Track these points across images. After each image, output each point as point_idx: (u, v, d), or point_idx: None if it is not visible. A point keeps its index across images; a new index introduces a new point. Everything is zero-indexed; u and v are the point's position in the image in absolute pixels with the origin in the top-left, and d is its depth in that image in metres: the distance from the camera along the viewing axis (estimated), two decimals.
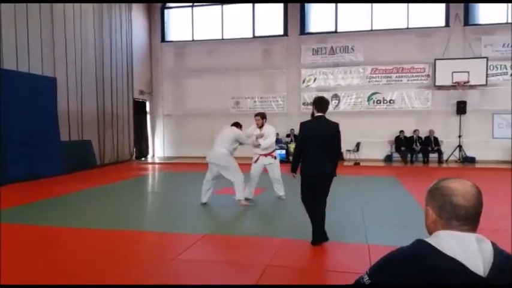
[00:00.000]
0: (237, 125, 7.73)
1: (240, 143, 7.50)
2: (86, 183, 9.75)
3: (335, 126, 4.70)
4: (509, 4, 13.90)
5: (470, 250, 1.22)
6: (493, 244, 1.27)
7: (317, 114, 4.73)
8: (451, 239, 1.26)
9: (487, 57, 13.86)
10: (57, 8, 11.44)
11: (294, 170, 4.92)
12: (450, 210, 1.31)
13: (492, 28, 14.17)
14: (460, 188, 1.32)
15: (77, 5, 12.28)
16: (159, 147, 17.22)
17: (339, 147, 4.79)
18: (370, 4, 14.92)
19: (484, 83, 13.84)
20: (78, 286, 3.52)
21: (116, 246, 4.72)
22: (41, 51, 10.83)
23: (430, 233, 1.37)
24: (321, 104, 4.73)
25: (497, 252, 1.25)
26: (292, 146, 14.50)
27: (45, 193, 8.22)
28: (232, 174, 7.02)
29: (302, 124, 4.79)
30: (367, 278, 1.35)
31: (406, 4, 14.66)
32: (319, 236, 4.62)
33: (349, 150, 14.01)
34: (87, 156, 12.66)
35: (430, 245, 1.27)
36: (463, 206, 1.30)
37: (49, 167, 10.46)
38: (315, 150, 4.61)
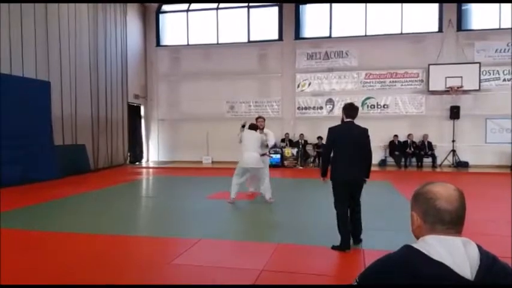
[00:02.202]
0: (255, 127, 8.05)
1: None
2: (79, 187, 9.69)
3: (364, 131, 4.82)
4: (502, 10, 14.05)
5: (457, 254, 1.23)
6: (478, 246, 1.28)
7: (346, 119, 4.83)
8: (438, 243, 1.27)
9: (479, 63, 13.98)
10: (51, 11, 11.42)
11: (324, 175, 4.93)
12: (434, 214, 1.32)
13: (485, 33, 14.31)
14: (443, 191, 1.33)
15: (71, 8, 12.26)
16: (153, 152, 17.17)
17: (370, 152, 4.86)
18: (364, 10, 15.02)
19: (477, 88, 13.95)
20: (77, 286, 3.50)
21: (109, 251, 4.70)
22: (35, 55, 10.80)
23: (417, 237, 1.37)
24: (350, 110, 4.85)
25: (483, 254, 1.26)
26: (287, 151, 14.51)
27: (38, 197, 8.17)
28: (265, 174, 7.67)
29: (331, 129, 4.85)
30: (356, 283, 1.36)
31: (399, 10, 14.78)
32: (349, 243, 4.61)
33: None
34: (81, 160, 12.60)
35: (418, 250, 1.27)
36: (446, 210, 1.31)
37: (43, 171, 10.39)
38: (345, 155, 4.67)
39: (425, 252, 1.25)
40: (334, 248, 4.58)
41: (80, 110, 12.66)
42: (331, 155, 4.79)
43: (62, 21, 11.87)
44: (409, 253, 1.29)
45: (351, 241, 4.69)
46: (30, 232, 5.49)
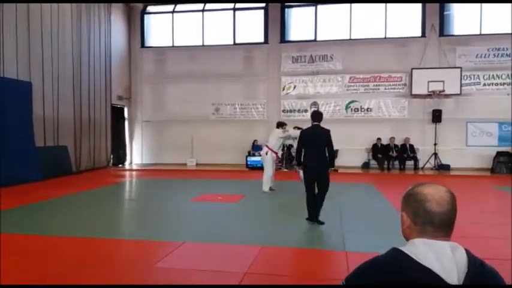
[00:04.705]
0: (282, 124, 9.54)
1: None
2: (61, 190, 9.54)
3: (327, 132, 6.14)
4: (483, 16, 14.35)
5: (445, 260, 1.23)
6: (467, 251, 1.28)
7: (313, 123, 6.23)
8: (427, 248, 1.26)
9: (461, 68, 14.24)
10: (33, 10, 11.24)
11: (299, 164, 6.37)
12: (424, 216, 1.31)
13: (466, 39, 14.59)
14: (434, 193, 1.33)
15: (54, 7, 12.08)
16: (137, 154, 17.00)
17: (332, 148, 6.13)
18: (349, 13, 15.16)
19: (459, 92, 14.20)
20: (76, 286, 3.44)
21: (91, 254, 4.63)
22: (16, 55, 10.60)
23: (407, 238, 1.37)
24: (316, 115, 6.30)
25: (471, 260, 1.26)
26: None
27: (19, 200, 8.00)
28: (266, 168, 9.24)
29: (301, 131, 6.63)
30: (344, 284, 1.35)
31: (384, 14, 14.96)
32: (315, 217, 5.99)
33: None
34: (63, 162, 12.39)
35: (406, 254, 1.27)
36: (436, 212, 1.30)
37: (23, 173, 10.20)
38: (311, 151, 6.09)
39: (414, 257, 1.25)
40: (306, 219, 6.05)
41: (62, 111, 12.45)
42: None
43: (44, 20, 11.68)
44: (397, 257, 1.29)
45: None
46: (10, 235, 5.37)
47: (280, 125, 9.49)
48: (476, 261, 1.28)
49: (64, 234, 5.50)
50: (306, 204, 6.11)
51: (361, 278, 1.33)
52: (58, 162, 12.10)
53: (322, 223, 5.94)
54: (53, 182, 10.78)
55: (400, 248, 1.31)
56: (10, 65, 10.38)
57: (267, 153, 9.15)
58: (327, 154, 6.06)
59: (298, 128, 9.07)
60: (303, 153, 6.22)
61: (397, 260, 1.28)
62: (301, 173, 6.38)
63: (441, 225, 1.30)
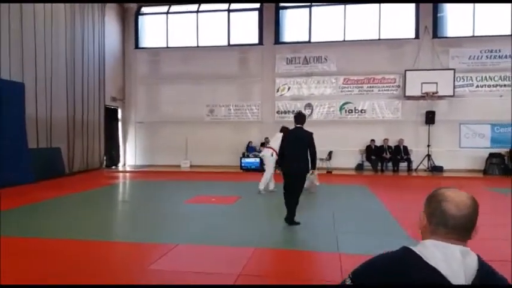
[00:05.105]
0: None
1: None
2: (54, 192, 9.47)
3: (309, 134, 6.14)
4: (476, 18, 14.45)
5: (453, 263, 1.23)
6: (479, 258, 1.27)
7: (296, 125, 6.29)
8: (436, 249, 1.27)
9: (454, 69, 14.33)
10: (27, 10, 11.16)
11: (279, 165, 6.52)
12: (439, 216, 1.31)
13: (459, 41, 14.69)
14: (455, 196, 1.32)
15: (47, 7, 12.00)
16: (130, 155, 16.93)
17: (314, 150, 6.12)
18: (343, 15, 15.22)
19: (452, 94, 14.29)
20: (77, 286, 3.42)
21: (84, 256, 4.59)
22: (8, 55, 10.51)
23: (423, 238, 1.37)
24: (298, 118, 6.35)
25: (482, 267, 1.25)
26: None
27: (11, 202, 7.92)
28: (267, 167, 9.36)
29: (284, 133, 6.59)
30: (349, 281, 1.36)
31: (377, 16, 15.02)
32: (290, 219, 6.03)
33: (322, 159, 14.14)
34: (55, 164, 12.30)
35: (414, 253, 1.28)
36: (452, 214, 1.29)
37: (16, 175, 10.10)
38: (292, 153, 6.10)
39: (422, 256, 1.26)
40: (285, 219, 6.09)
41: (55, 112, 12.37)
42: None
43: (37, 20, 11.60)
44: (405, 255, 1.29)
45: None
46: (2, 238, 5.32)
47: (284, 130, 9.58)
48: (488, 269, 1.27)
49: (57, 236, 5.46)
50: (285, 205, 6.15)
51: (367, 272, 1.33)
52: (51, 164, 12.02)
53: (298, 223, 6.01)
54: (46, 184, 10.70)
55: (411, 247, 1.32)
56: (3, 65, 10.29)
57: (272, 155, 9.16)
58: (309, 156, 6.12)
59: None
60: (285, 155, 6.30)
61: (404, 257, 1.29)
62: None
63: (455, 228, 1.29)
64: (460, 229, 1.30)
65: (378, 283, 1.28)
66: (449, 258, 1.24)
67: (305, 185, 7.35)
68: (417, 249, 1.30)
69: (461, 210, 1.29)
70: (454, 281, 1.20)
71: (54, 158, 12.32)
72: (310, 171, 6.23)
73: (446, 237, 1.29)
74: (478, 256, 1.28)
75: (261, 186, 9.13)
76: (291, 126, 10.30)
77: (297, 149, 6.08)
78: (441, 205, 1.31)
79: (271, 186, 9.29)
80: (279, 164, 6.55)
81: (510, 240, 4.88)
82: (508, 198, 8.27)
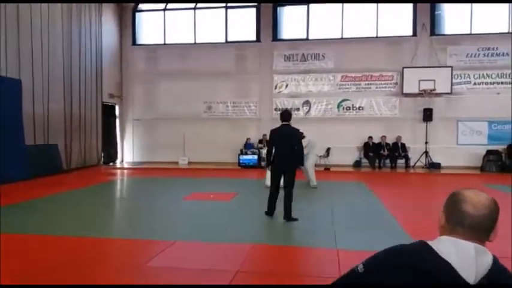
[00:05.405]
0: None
1: None
2: (51, 188, 9.46)
3: (296, 131, 6.38)
4: (473, 15, 14.47)
5: (465, 257, 1.24)
6: (495, 259, 1.28)
7: (282, 122, 6.34)
8: (450, 243, 1.29)
9: (451, 67, 14.35)
10: (23, 7, 11.09)
11: (269, 164, 6.48)
12: (457, 215, 1.33)
13: (457, 38, 14.69)
14: (473, 196, 1.33)
15: (44, 5, 11.93)
16: (128, 152, 16.90)
17: (301, 146, 6.38)
18: (341, 12, 15.19)
19: (449, 91, 14.31)
20: (77, 286, 3.41)
21: (83, 253, 4.59)
22: (5, 52, 10.45)
23: None
24: (285, 115, 6.40)
25: (496, 267, 1.26)
26: (264, 151, 14.53)
27: (8, 199, 7.90)
28: None
29: (271, 130, 6.48)
30: (362, 267, 1.38)
31: (375, 13, 15.01)
32: (288, 216, 6.09)
33: (320, 156, 14.17)
34: (53, 160, 12.27)
35: (429, 246, 1.30)
36: (470, 213, 1.30)
37: (13, 172, 10.07)
38: (280, 149, 6.22)
39: (435, 249, 1.28)
40: (266, 213, 6.34)
41: (53, 109, 12.33)
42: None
43: (34, 17, 11.53)
44: (420, 247, 1.32)
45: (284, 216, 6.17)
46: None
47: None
48: (502, 270, 1.28)
49: (54, 233, 5.45)
50: (268, 200, 6.32)
51: (380, 260, 1.37)
52: (48, 161, 11.99)
53: (296, 219, 6.08)
54: (43, 181, 10.68)
55: (427, 241, 1.34)
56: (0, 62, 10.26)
57: None
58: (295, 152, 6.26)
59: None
60: (273, 152, 6.33)
61: (418, 249, 1.32)
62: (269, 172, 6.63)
63: (471, 227, 1.30)
64: (477, 229, 1.31)
65: (389, 272, 1.31)
66: (461, 253, 1.25)
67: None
68: (432, 242, 1.33)
69: (478, 210, 1.30)
70: (464, 274, 1.22)
71: (52, 154, 12.29)
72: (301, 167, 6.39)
73: (464, 237, 1.30)
74: (494, 256, 1.29)
75: (268, 182, 9.13)
76: (291, 123, 10.37)
77: (286, 145, 6.19)
78: (459, 204, 1.33)
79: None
80: (267, 161, 6.54)
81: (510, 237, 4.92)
82: (506, 195, 8.31)
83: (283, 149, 6.19)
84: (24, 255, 4.49)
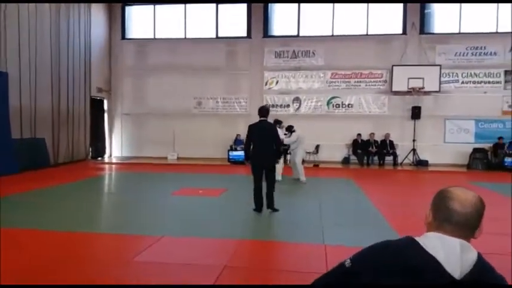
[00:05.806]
0: (279, 122, 9.56)
1: None
2: (38, 183, 9.36)
3: (272, 126, 6.61)
4: (462, 15, 14.61)
5: (450, 253, 1.27)
6: (480, 256, 1.31)
7: (260, 118, 6.49)
8: (437, 239, 1.31)
9: (440, 65, 14.48)
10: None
11: (247, 159, 6.63)
12: (445, 213, 1.35)
13: (446, 37, 14.82)
14: (460, 194, 1.36)
15: None
16: (116, 147, 16.77)
17: (278, 141, 6.58)
18: (331, 10, 15.22)
19: (437, 89, 14.45)
20: (77, 286, 3.38)
21: (69, 248, 4.56)
22: None
23: None
24: (262, 111, 6.57)
25: (480, 263, 1.29)
26: None
27: None
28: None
29: (249, 126, 6.59)
30: (349, 262, 1.41)
31: (366, 11, 15.07)
32: (269, 206, 6.30)
33: (309, 152, 14.23)
34: (40, 154, 12.12)
35: (416, 242, 1.32)
36: (457, 211, 1.33)
37: (0, 166, 9.95)
38: (259, 145, 6.32)
39: (422, 244, 1.30)
40: (253, 210, 6.34)
41: (40, 103, 12.17)
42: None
43: (21, 9, 11.35)
44: (407, 242, 1.34)
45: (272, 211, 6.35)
46: None
47: (277, 122, 9.38)
48: (485, 266, 1.31)
49: (41, 227, 5.40)
50: (254, 197, 6.37)
51: (368, 255, 1.39)
52: (35, 155, 11.83)
53: (277, 210, 6.30)
54: (30, 175, 10.56)
55: (414, 237, 1.36)
56: None
57: None
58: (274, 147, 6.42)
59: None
60: (251, 148, 6.45)
61: (405, 244, 1.33)
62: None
63: (458, 224, 1.33)
64: (464, 226, 1.33)
65: (376, 267, 1.32)
66: (447, 248, 1.27)
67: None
68: (419, 238, 1.34)
69: (465, 208, 1.33)
70: (450, 269, 1.24)
71: (39, 148, 12.15)
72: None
73: (451, 234, 1.32)
74: (479, 253, 1.32)
75: (279, 177, 9.43)
76: (281, 119, 10.28)
77: (265, 140, 6.30)
78: (446, 201, 1.35)
79: (278, 178, 9.17)
80: (245, 157, 6.68)
81: (493, 234, 5.00)
82: (492, 192, 8.44)
83: (262, 144, 6.30)
84: (8, 250, 4.44)
